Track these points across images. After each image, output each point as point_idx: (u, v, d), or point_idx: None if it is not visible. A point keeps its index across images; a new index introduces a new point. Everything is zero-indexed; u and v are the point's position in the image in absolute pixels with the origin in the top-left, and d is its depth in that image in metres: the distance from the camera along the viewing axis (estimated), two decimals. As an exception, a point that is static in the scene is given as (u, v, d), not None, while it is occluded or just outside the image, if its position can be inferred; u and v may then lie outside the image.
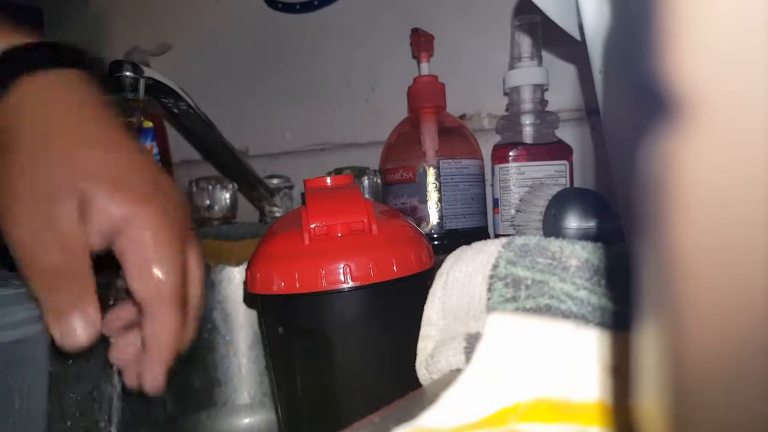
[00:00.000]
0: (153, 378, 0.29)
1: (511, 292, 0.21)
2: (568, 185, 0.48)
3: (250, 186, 0.61)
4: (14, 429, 0.31)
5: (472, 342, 0.21)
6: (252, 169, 0.60)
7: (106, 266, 0.28)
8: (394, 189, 0.50)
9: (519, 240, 0.22)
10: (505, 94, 0.52)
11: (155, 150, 0.66)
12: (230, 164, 0.59)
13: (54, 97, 0.28)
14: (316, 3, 0.67)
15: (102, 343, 0.29)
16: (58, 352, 0.34)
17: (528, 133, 0.49)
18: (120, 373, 0.32)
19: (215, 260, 0.51)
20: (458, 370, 0.22)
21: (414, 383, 0.23)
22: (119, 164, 0.27)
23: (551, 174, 0.47)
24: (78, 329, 0.27)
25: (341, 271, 0.30)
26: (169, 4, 0.77)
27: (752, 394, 0.09)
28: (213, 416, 0.49)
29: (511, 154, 0.48)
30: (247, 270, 0.34)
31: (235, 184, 0.62)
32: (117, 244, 0.27)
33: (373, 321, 0.32)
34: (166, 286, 0.27)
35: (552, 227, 0.39)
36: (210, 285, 0.50)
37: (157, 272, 0.27)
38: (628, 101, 0.27)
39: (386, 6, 0.63)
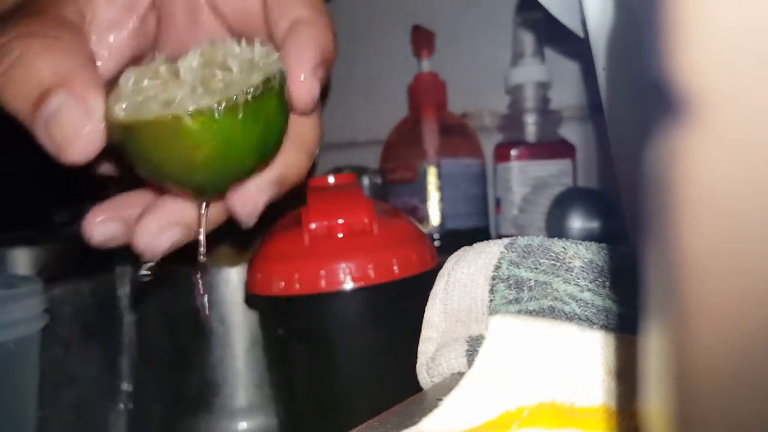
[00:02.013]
0: (308, 89, 0.23)
1: (513, 294, 0.21)
2: (572, 184, 0.47)
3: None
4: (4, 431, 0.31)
5: (474, 345, 0.21)
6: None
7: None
8: (395, 188, 0.50)
9: (522, 240, 0.22)
10: (507, 92, 0.51)
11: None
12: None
13: None
14: (316, 1, 0.66)
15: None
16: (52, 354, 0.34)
17: (530, 132, 0.49)
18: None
19: (211, 262, 0.50)
20: (460, 374, 0.21)
21: (415, 386, 0.23)
22: None
23: (554, 173, 0.47)
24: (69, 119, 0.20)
25: (341, 271, 0.30)
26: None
27: (760, 399, 0.09)
28: (209, 420, 0.49)
29: (513, 152, 0.47)
30: (248, 271, 0.34)
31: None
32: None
33: (374, 322, 0.32)
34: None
35: (555, 227, 0.39)
36: (207, 287, 0.50)
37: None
38: (632, 99, 0.27)
39: (387, 2, 0.62)
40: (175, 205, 0.24)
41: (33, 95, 0.20)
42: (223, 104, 0.19)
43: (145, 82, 0.20)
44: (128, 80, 0.20)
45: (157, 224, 0.23)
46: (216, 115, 0.19)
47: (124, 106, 0.20)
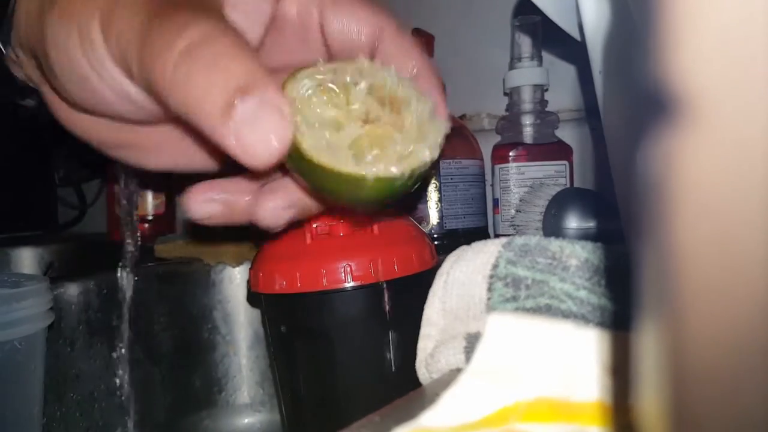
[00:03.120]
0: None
1: (511, 292, 0.21)
2: (568, 185, 0.48)
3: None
4: (10, 429, 0.31)
5: (472, 341, 0.21)
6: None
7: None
8: (394, 189, 0.50)
9: (519, 240, 0.22)
10: (506, 94, 0.52)
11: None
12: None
13: None
14: (316, 3, 0.66)
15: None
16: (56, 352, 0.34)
17: (528, 134, 0.49)
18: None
19: (215, 260, 0.51)
20: (458, 370, 0.22)
21: (414, 382, 0.23)
22: None
23: (551, 174, 0.47)
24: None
25: (342, 270, 0.31)
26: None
27: (752, 394, 0.09)
28: (213, 416, 0.49)
29: (511, 154, 0.48)
30: (250, 269, 0.34)
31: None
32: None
33: (374, 320, 0.32)
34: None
35: (552, 227, 0.40)
36: (210, 285, 0.50)
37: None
38: (627, 101, 0.27)
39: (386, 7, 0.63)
40: (296, 190, 0.25)
41: (219, 99, 0.18)
42: (404, 176, 0.21)
43: (319, 106, 0.21)
44: (303, 89, 0.21)
45: (281, 203, 0.25)
46: (395, 183, 0.21)
47: (303, 130, 0.21)
